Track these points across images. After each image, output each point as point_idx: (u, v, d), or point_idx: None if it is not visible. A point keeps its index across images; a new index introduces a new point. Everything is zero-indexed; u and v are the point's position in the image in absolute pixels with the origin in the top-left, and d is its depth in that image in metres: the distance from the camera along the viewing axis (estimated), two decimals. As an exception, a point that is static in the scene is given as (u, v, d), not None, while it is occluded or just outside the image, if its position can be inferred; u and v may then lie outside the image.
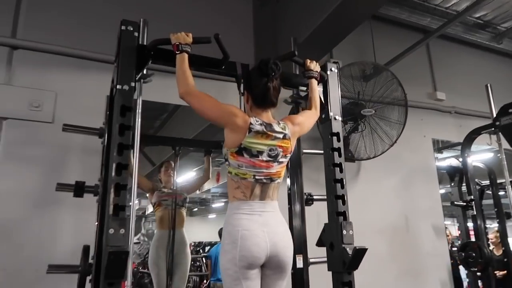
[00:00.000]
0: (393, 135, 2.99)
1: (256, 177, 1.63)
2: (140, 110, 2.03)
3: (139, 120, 2.02)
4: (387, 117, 3.04)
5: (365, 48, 3.81)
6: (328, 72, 2.25)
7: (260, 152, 1.63)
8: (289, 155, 1.74)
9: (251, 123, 1.63)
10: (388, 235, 3.41)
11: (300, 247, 2.55)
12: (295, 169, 2.67)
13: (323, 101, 2.24)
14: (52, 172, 2.36)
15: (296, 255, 2.56)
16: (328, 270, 2.01)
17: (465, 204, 3.40)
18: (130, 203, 1.88)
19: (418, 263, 3.49)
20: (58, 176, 2.25)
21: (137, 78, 1.84)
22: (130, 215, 1.83)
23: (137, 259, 5.50)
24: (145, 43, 1.88)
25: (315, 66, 2.07)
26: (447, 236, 4.29)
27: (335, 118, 2.19)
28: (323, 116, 2.25)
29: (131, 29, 1.81)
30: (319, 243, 2.16)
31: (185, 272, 3.17)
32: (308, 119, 1.92)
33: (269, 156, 1.65)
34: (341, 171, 2.10)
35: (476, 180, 3.57)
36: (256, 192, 1.63)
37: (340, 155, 2.13)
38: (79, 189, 1.86)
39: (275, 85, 1.70)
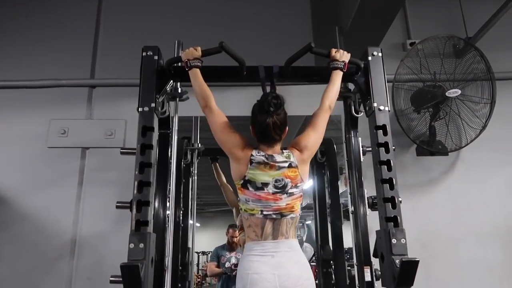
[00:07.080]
0: (483, 117, 2.44)
1: (264, 212, 1.56)
2: (176, 128, 2.14)
3: (175, 137, 2.13)
4: (472, 97, 2.49)
5: (454, 20, 3.22)
6: (370, 58, 1.99)
7: (265, 184, 1.56)
8: (301, 185, 1.61)
9: (251, 155, 1.58)
10: (503, 241, 2.76)
11: (366, 258, 2.30)
12: (355, 169, 2.43)
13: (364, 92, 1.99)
14: (125, 191, 2.63)
15: (364, 267, 2.31)
16: (382, 285, 1.75)
17: None
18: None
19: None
20: (130, 195, 2.52)
21: (160, 98, 1.94)
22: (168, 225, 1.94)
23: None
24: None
25: (341, 56, 1.85)
26: None
27: (379, 109, 1.91)
28: (367, 108, 2.00)
29: (151, 53, 1.92)
30: (375, 253, 1.90)
31: None
32: (312, 134, 1.70)
33: (276, 187, 1.56)
34: (389, 169, 1.81)
35: None
36: (267, 230, 1.56)
37: (387, 151, 1.84)
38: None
39: (275, 120, 1.60)
